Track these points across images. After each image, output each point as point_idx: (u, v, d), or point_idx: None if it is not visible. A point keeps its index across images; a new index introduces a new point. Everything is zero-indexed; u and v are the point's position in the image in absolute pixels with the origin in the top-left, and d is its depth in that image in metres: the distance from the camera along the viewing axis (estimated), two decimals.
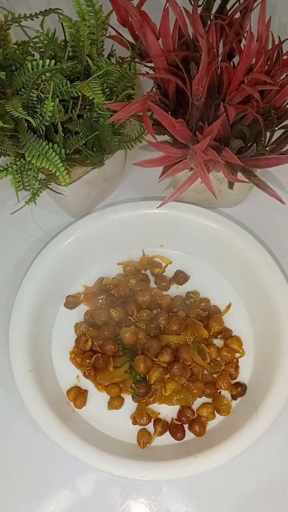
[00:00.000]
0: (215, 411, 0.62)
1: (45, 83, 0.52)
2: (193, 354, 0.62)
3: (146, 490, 0.60)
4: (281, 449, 0.61)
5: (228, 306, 0.67)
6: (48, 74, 0.52)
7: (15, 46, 0.55)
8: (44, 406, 0.58)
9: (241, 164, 0.54)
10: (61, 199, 0.63)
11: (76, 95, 0.53)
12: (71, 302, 0.67)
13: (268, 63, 0.55)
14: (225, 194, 0.63)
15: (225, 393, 0.63)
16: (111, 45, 0.59)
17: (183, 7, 0.55)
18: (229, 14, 0.56)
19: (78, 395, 0.63)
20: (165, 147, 0.55)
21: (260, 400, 0.58)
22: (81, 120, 0.55)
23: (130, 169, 0.68)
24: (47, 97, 0.51)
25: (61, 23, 0.54)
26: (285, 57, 0.55)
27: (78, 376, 0.65)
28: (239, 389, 0.62)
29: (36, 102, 0.52)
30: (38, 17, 0.54)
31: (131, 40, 0.59)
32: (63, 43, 0.56)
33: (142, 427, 0.62)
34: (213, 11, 0.59)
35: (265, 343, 0.63)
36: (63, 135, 0.54)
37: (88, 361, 0.63)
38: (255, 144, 0.55)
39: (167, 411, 0.63)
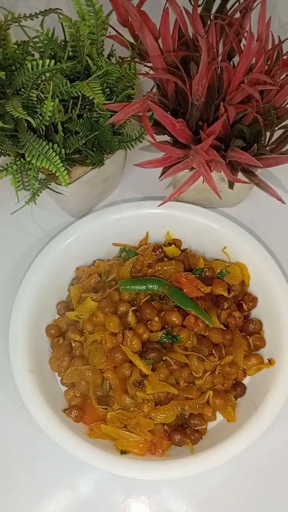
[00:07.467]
0: (216, 412, 0.61)
1: (45, 83, 0.52)
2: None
3: (146, 490, 0.60)
4: (281, 449, 0.61)
5: None
6: (48, 74, 0.52)
7: (15, 46, 0.55)
8: (44, 406, 0.58)
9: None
10: (61, 199, 0.63)
11: (76, 95, 0.53)
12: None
13: (268, 63, 0.55)
14: (225, 194, 0.63)
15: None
16: (111, 45, 0.59)
17: (183, 7, 0.55)
18: (229, 14, 0.56)
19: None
20: (167, 147, 0.55)
21: (260, 400, 0.57)
22: (81, 120, 0.55)
23: (130, 169, 0.68)
24: (47, 97, 0.51)
25: (61, 23, 0.54)
26: (285, 57, 0.55)
27: None
28: (239, 389, 0.62)
29: (36, 102, 0.52)
30: (38, 17, 0.54)
31: (131, 40, 0.59)
32: (63, 43, 0.56)
33: None
34: (213, 11, 0.59)
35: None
36: (63, 135, 0.54)
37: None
38: (255, 144, 0.55)
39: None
